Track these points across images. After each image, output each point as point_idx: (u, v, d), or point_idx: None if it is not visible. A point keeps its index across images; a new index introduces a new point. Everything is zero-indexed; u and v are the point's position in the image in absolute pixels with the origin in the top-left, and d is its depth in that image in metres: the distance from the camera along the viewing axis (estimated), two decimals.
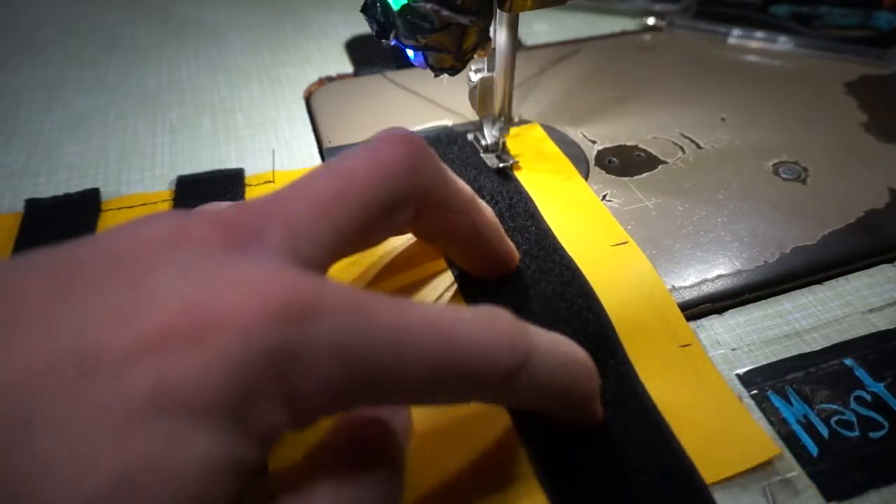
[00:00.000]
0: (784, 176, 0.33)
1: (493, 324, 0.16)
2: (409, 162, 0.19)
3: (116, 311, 0.13)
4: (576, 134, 0.37)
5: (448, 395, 0.16)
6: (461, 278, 0.26)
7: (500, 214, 0.25)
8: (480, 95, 0.31)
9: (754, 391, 0.24)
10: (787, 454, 0.22)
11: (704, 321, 0.26)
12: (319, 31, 0.49)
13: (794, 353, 0.25)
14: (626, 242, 0.28)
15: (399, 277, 0.26)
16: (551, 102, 0.39)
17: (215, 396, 0.13)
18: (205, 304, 0.13)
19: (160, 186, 0.33)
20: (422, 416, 0.21)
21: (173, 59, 0.45)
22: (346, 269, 0.26)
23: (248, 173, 0.34)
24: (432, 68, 0.26)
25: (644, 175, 0.33)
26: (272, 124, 0.38)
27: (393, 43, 0.26)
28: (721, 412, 0.22)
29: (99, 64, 0.45)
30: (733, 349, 0.25)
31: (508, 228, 0.28)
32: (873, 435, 0.22)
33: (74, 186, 0.33)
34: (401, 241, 0.27)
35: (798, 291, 0.27)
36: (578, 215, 0.30)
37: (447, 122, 0.37)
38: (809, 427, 0.22)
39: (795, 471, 0.21)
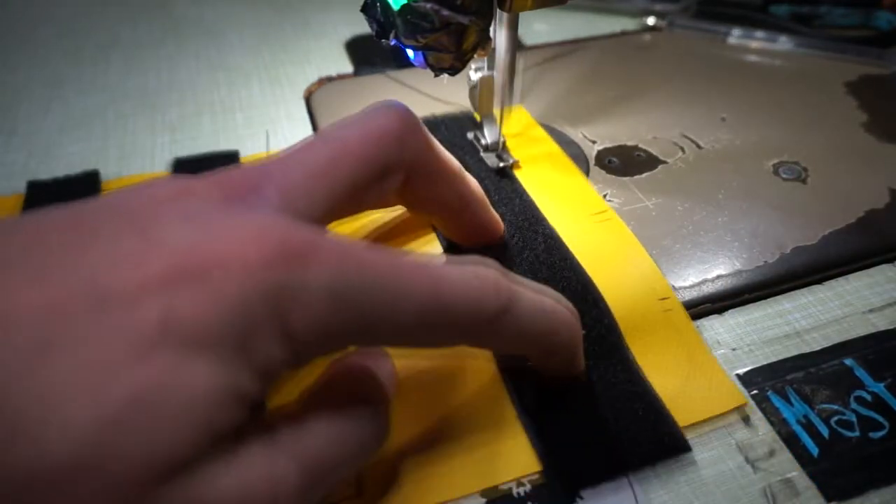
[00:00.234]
0: (784, 176, 0.33)
1: (479, 271, 0.18)
2: (399, 131, 0.20)
3: (127, 253, 0.14)
4: (576, 134, 0.37)
5: (436, 337, 0.18)
6: (449, 250, 0.28)
7: (485, 189, 0.27)
8: (480, 95, 0.31)
9: (754, 391, 0.24)
10: (788, 454, 0.22)
11: (704, 321, 0.26)
12: (319, 31, 0.49)
13: (795, 353, 0.25)
14: (605, 211, 0.30)
15: (388, 247, 0.27)
16: (551, 102, 0.39)
17: (218, 329, 0.14)
18: (208, 247, 0.14)
19: None
20: (409, 363, 0.23)
21: (173, 58, 0.45)
22: None
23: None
24: (432, 68, 0.26)
25: (644, 175, 0.33)
26: (272, 124, 0.38)
27: (393, 43, 0.26)
28: (694, 365, 0.24)
29: (98, 63, 0.45)
30: (733, 349, 0.25)
31: (493, 202, 0.28)
32: (873, 435, 0.22)
33: None
34: (391, 215, 0.28)
35: (798, 291, 0.27)
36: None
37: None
38: (810, 427, 0.22)
39: (795, 471, 0.21)
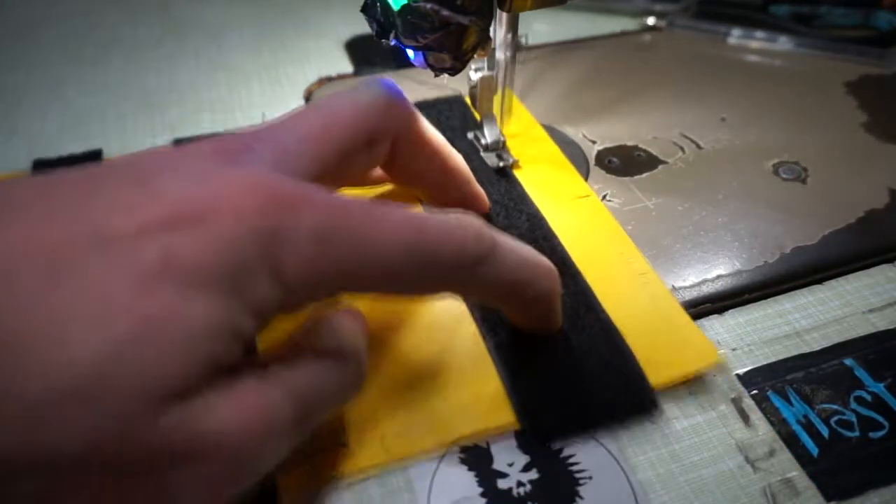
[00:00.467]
0: (784, 176, 0.33)
1: (461, 218, 0.19)
2: (386, 104, 0.21)
3: (128, 201, 0.15)
4: (576, 134, 0.37)
5: (420, 283, 0.19)
6: None
7: (473, 170, 0.27)
8: (480, 95, 0.31)
9: (754, 391, 0.24)
10: (787, 454, 0.22)
11: (704, 321, 0.26)
12: (319, 31, 0.49)
13: (795, 353, 0.25)
14: (588, 196, 0.31)
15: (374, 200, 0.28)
16: (551, 102, 0.39)
17: (214, 269, 0.15)
18: (204, 196, 0.15)
19: None
20: (392, 318, 0.24)
21: (173, 58, 0.45)
22: None
23: None
24: (432, 68, 0.26)
25: (644, 175, 0.33)
26: None
27: (393, 43, 0.26)
28: (671, 328, 0.25)
29: (98, 63, 0.45)
30: (733, 349, 0.25)
31: (481, 181, 0.29)
32: (873, 435, 0.22)
33: None
34: (377, 191, 0.29)
35: (798, 291, 0.27)
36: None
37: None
38: (809, 427, 0.22)
39: (795, 471, 0.21)
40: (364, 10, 0.26)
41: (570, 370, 0.23)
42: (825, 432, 0.22)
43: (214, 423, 0.15)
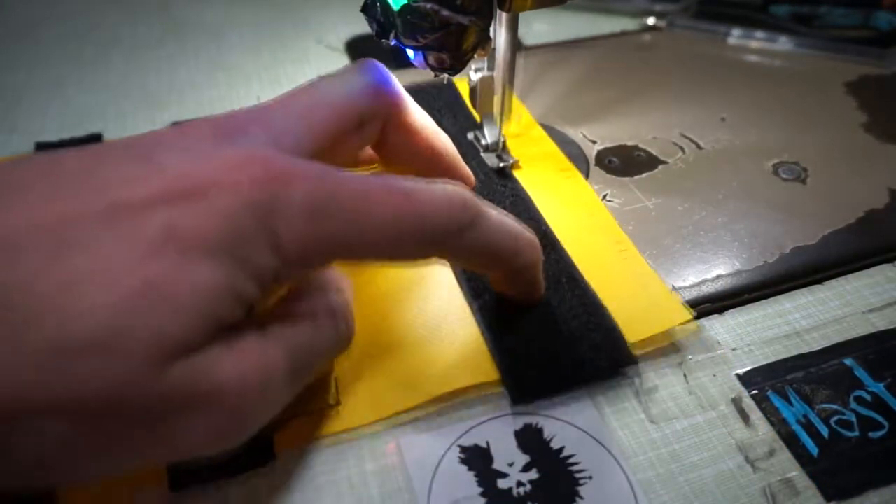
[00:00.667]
0: (784, 176, 0.33)
1: (448, 187, 0.20)
2: (375, 84, 0.22)
3: (132, 175, 0.16)
4: (576, 134, 0.37)
5: (408, 249, 0.19)
6: None
7: (473, 169, 0.28)
8: (480, 95, 0.31)
9: (754, 391, 0.24)
10: (787, 454, 0.22)
11: (704, 321, 0.26)
12: (319, 31, 0.49)
13: (794, 353, 0.25)
14: (570, 170, 0.32)
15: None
16: (551, 102, 0.39)
17: (214, 238, 0.16)
18: (203, 171, 0.16)
19: None
20: (382, 285, 0.26)
21: (173, 58, 0.45)
22: None
23: None
24: (432, 68, 0.26)
25: (644, 175, 0.33)
26: None
27: (393, 43, 0.26)
28: (647, 293, 0.26)
29: (98, 63, 0.45)
30: (733, 349, 0.25)
31: (481, 180, 0.31)
32: (873, 435, 0.22)
33: None
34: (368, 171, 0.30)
35: (798, 291, 0.27)
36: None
37: None
38: (809, 427, 0.22)
39: (795, 470, 0.21)
40: (364, 10, 0.26)
41: (551, 331, 0.24)
42: (825, 432, 0.22)
43: (218, 375, 0.16)
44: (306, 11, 0.51)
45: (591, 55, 0.44)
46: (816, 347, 0.25)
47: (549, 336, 0.24)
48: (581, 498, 0.20)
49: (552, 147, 0.34)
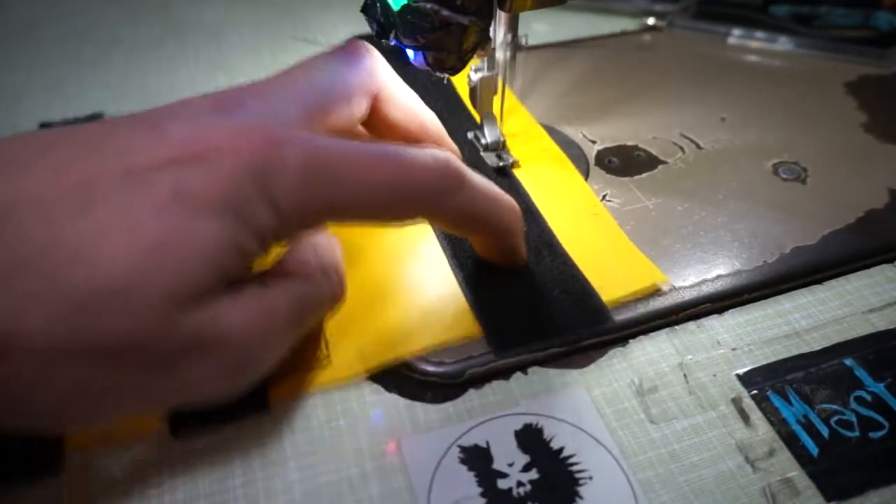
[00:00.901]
0: (784, 176, 0.33)
1: (435, 153, 0.21)
2: (362, 58, 0.23)
3: (142, 142, 0.18)
4: (576, 134, 0.37)
5: (396, 210, 0.21)
6: None
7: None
8: (480, 95, 0.31)
9: (754, 391, 0.24)
10: (787, 454, 0.22)
11: (704, 321, 0.26)
12: (319, 31, 0.49)
13: (794, 353, 0.25)
14: (551, 148, 0.34)
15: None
16: (551, 102, 0.39)
17: (218, 198, 0.17)
18: (206, 139, 0.18)
19: None
20: (371, 249, 0.28)
21: (173, 58, 0.45)
22: None
23: None
24: (432, 68, 0.26)
25: (644, 175, 0.33)
26: None
27: (393, 43, 0.26)
28: (619, 256, 0.28)
29: (99, 63, 0.45)
30: (733, 349, 0.25)
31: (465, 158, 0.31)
32: (873, 435, 0.22)
33: None
34: None
35: (798, 291, 0.27)
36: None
37: None
38: (809, 427, 0.22)
39: (795, 470, 0.21)
40: (364, 10, 0.26)
41: (529, 289, 0.26)
42: (825, 432, 0.22)
43: (226, 321, 0.18)
44: (306, 12, 0.51)
45: (591, 55, 0.44)
46: (816, 347, 0.25)
47: (528, 294, 0.26)
48: (581, 498, 0.20)
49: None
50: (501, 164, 0.32)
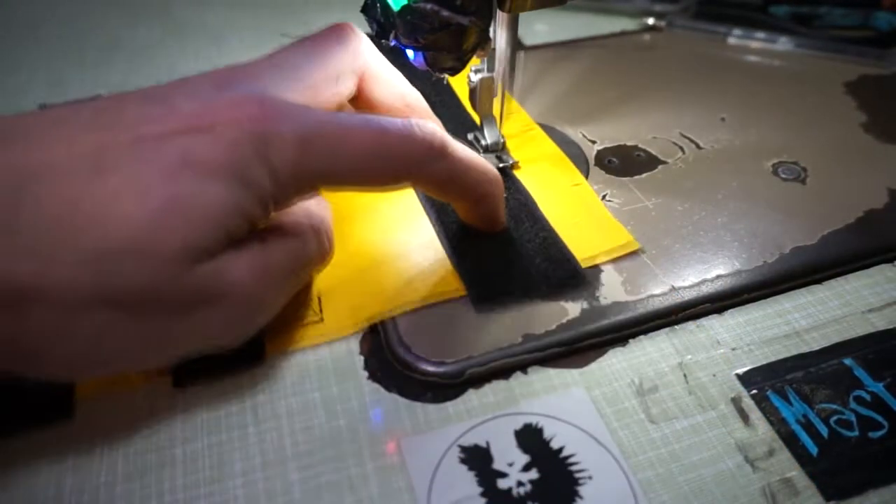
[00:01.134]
0: (784, 176, 0.33)
1: (419, 123, 0.23)
2: (348, 40, 0.25)
3: (151, 114, 0.19)
4: (576, 134, 0.37)
5: (384, 176, 0.22)
6: None
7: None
8: (480, 96, 0.31)
9: (754, 391, 0.24)
10: (787, 453, 0.22)
11: (704, 321, 0.26)
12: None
13: (794, 352, 0.25)
14: (533, 129, 0.35)
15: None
16: (551, 102, 0.39)
17: (222, 164, 0.19)
18: (210, 111, 0.20)
19: None
20: (360, 215, 0.30)
21: (173, 60, 0.45)
22: None
23: None
24: (432, 69, 0.26)
25: (644, 175, 0.34)
26: None
27: (393, 43, 0.26)
28: (597, 224, 0.29)
29: (100, 65, 0.45)
30: (733, 349, 0.25)
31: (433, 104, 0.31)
32: (873, 435, 0.22)
33: None
34: None
35: (798, 291, 0.27)
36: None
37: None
38: (809, 427, 0.22)
39: (795, 470, 0.21)
40: (364, 10, 0.26)
41: (509, 250, 0.28)
42: (825, 432, 0.22)
43: (232, 274, 0.20)
44: (306, 14, 0.51)
45: (591, 55, 0.45)
46: (816, 347, 0.25)
47: (508, 255, 0.27)
48: (581, 498, 0.20)
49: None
50: (501, 165, 0.32)
